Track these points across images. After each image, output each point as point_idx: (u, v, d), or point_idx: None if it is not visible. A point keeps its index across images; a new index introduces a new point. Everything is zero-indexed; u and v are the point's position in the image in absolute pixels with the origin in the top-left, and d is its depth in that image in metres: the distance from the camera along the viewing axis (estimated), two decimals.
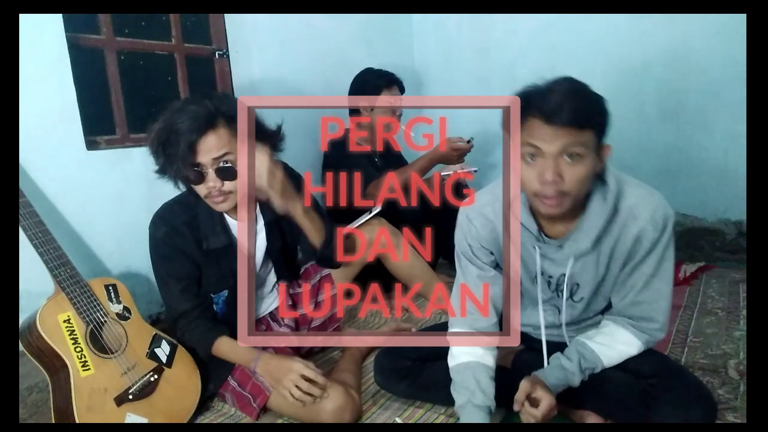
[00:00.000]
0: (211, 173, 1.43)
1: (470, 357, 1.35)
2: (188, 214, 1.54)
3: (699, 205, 2.68)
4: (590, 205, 1.22)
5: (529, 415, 1.21)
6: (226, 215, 1.58)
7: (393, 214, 2.22)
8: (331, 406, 1.42)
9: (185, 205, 1.55)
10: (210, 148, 1.40)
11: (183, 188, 1.54)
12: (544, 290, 1.37)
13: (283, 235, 1.72)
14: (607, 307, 1.39)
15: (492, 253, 1.38)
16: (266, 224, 1.65)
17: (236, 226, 1.60)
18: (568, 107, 1.08)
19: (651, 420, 1.23)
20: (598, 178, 1.22)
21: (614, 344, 1.30)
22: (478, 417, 1.29)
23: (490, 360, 1.36)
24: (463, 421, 1.32)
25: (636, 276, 1.27)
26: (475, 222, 1.35)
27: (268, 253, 1.70)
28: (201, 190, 1.47)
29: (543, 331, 1.38)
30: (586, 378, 1.30)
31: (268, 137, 1.54)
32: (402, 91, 2.55)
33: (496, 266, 1.39)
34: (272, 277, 1.79)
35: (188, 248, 1.53)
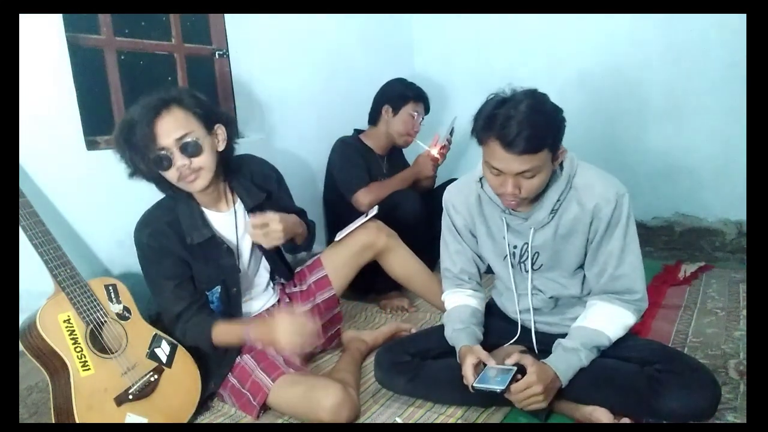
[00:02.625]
0: (176, 153, 1.45)
1: (454, 305, 1.58)
2: (169, 216, 1.57)
3: (699, 205, 2.68)
4: (549, 183, 1.37)
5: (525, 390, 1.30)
6: (205, 209, 1.61)
7: (393, 214, 2.22)
8: (329, 403, 1.42)
9: (165, 208, 1.59)
10: (169, 129, 1.44)
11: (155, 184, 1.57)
12: (511, 263, 1.51)
13: None
14: (581, 291, 1.48)
15: (473, 235, 1.57)
16: (249, 212, 1.66)
17: (216, 218, 1.63)
18: (524, 136, 1.21)
19: (659, 404, 1.27)
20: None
21: (610, 317, 1.38)
22: (463, 340, 1.47)
23: (471, 301, 1.58)
24: (457, 349, 1.47)
25: (606, 252, 1.38)
26: (453, 199, 1.57)
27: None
28: (172, 174, 1.49)
29: (514, 285, 1.53)
30: (595, 355, 1.36)
31: (224, 122, 1.57)
32: (427, 110, 2.55)
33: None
34: (264, 273, 1.81)
35: (174, 247, 1.55)
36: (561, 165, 1.37)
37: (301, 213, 1.83)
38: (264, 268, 1.80)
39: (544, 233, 1.42)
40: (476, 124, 1.31)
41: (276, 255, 1.80)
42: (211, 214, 1.62)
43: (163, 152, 1.45)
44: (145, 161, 1.46)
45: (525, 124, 1.21)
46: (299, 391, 1.47)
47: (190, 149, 1.47)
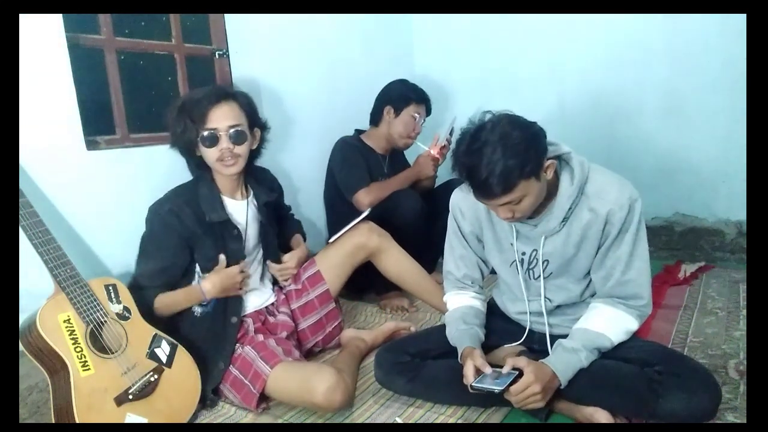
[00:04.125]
0: (224, 137, 1.64)
1: (457, 305, 1.57)
2: (188, 196, 1.69)
3: (699, 205, 2.68)
4: (560, 190, 1.35)
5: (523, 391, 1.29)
6: (222, 196, 1.74)
7: (393, 214, 2.22)
8: (323, 387, 1.45)
9: (184, 190, 1.72)
10: (225, 115, 1.64)
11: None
12: (518, 271, 1.49)
13: (270, 216, 1.88)
14: (583, 294, 1.47)
15: (480, 240, 1.55)
16: (262, 205, 1.81)
17: (231, 205, 1.75)
18: (492, 183, 1.21)
19: (659, 406, 1.27)
20: (565, 163, 1.37)
21: (613, 321, 1.37)
22: (466, 341, 1.46)
23: (475, 302, 1.58)
24: (459, 350, 1.46)
25: (614, 257, 1.36)
26: (461, 204, 1.54)
27: (262, 235, 1.83)
28: (212, 153, 1.65)
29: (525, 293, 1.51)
30: (595, 356, 1.36)
31: (261, 128, 1.80)
32: (429, 112, 2.55)
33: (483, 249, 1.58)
34: (259, 269, 1.87)
35: (187, 225, 1.64)
36: (572, 173, 1.35)
37: (289, 212, 2.10)
38: (261, 265, 1.87)
39: (555, 241, 1.40)
40: (453, 165, 1.31)
41: (270, 243, 1.88)
42: (227, 201, 1.75)
43: (212, 132, 1.63)
44: (194, 135, 1.63)
45: (492, 171, 1.20)
46: (295, 377, 1.51)
47: (237, 137, 1.66)
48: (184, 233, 1.64)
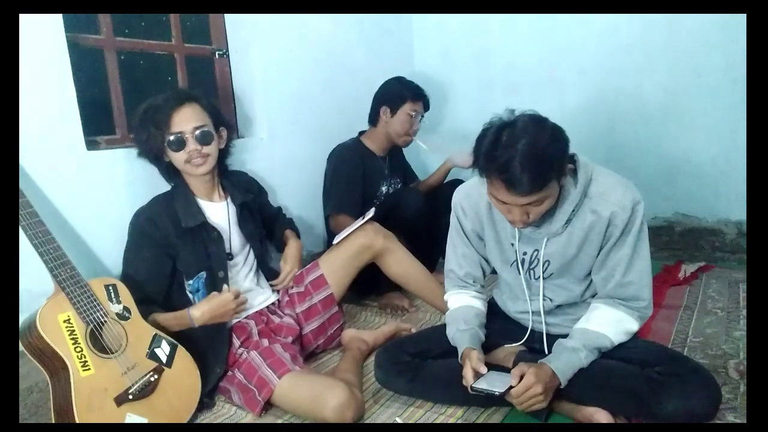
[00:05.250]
0: (190, 139, 1.66)
1: (458, 305, 1.57)
2: (165, 204, 1.71)
3: (699, 205, 2.68)
4: (563, 193, 1.35)
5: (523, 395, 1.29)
6: (199, 200, 1.75)
7: (394, 212, 2.22)
8: (334, 402, 1.42)
9: (161, 199, 1.73)
10: (188, 118, 1.66)
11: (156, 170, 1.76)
12: (519, 271, 1.49)
13: (252, 217, 1.88)
14: (584, 294, 1.47)
15: (481, 239, 1.55)
16: (238, 206, 1.81)
17: (209, 207, 1.76)
18: (527, 179, 1.18)
19: (659, 407, 1.27)
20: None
21: (613, 322, 1.37)
22: (466, 341, 1.46)
23: (475, 302, 1.58)
24: (459, 351, 1.46)
25: (616, 259, 1.37)
26: (463, 202, 1.54)
27: (248, 235, 1.83)
28: (180, 156, 1.67)
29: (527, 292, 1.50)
30: (595, 356, 1.36)
31: (227, 126, 1.81)
32: (427, 108, 2.52)
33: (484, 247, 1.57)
34: (254, 266, 1.87)
35: (166, 233, 1.65)
36: (576, 176, 1.34)
37: (279, 212, 2.09)
38: (254, 265, 1.87)
39: (557, 242, 1.40)
40: (476, 159, 1.27)
41: (257, 243, 1.88)
42: (204, 204, 1.76)
43: (178, 136, 1.64)
44: (159, 140, 1.64)
45: (526, 165, 1.18)
46: (304, 390, 1.48)
47: (204, 137, 1.67)
48: (162, 241, 1.65)
